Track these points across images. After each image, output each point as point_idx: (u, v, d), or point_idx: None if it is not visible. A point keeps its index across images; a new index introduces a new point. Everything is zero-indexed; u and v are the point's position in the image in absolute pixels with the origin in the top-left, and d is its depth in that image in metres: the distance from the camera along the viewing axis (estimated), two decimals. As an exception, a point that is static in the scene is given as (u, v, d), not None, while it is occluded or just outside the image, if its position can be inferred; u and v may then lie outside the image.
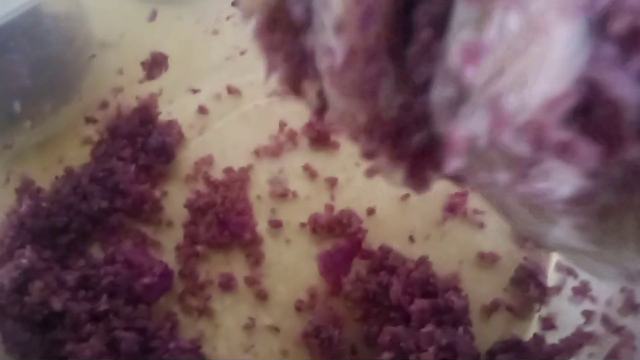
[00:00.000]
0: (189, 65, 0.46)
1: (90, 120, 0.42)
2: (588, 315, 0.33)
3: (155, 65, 0.43)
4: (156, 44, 0.43)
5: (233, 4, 0.45)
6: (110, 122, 0.42)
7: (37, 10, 0.39)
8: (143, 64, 0.42)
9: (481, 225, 0.39)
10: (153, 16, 0.41)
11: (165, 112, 0.44)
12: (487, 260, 0.38)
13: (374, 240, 0.38)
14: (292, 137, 0.44)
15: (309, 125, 0.45)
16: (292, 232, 0.39)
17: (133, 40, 0.43)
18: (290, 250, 0.39)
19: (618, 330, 0.30)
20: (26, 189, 0.38)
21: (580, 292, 0.35)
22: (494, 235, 0.39)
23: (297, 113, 0.46)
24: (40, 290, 0.32)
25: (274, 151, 0.43)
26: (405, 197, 0.40)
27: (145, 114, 0.43)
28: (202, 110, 0.45)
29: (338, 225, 0.39)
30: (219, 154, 0.43)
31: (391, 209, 0.40)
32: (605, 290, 0.33)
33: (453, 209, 0.40)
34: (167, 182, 0.41)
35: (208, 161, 0.42)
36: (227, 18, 0.45)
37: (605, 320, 0.31)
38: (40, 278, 0.33)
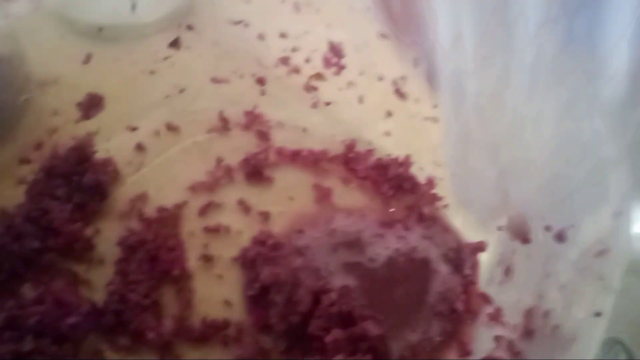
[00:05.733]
0: (127, 104, 0.47)
1: (24, 161, 0.42)
2: (498, 340, 0.35)
3: (92, 105, 0.44)
4: (93, 84, 0.45)
5: (170, 45, 0.47)
6: (45, 162, 0.43)
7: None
8: (79, 104, 0.44)
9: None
10: (87, 59, 0.43)
11: (103, 150, 0.45)
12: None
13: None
14: (228, 172, 0.46)
15: (245, 161, 0.46)
16: (224, 267, 0.41)
17: (69, 81, 0.44)
18: (221, 285, 0.40)
19: (516, 355, 0.32)
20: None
21: (493, 318, 0.37)
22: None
23: (234, 149, 0.48)
24: (-35, 332, 0.33)
25: (209, 187, 0.45)
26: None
27: (81, 153, 0.44)
28: (139, 147, 0.46)
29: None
30: (155, 191, 0.44)
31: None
32: (513, 317, 0.35)
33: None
34: (101, 220, 0.42)
35: (143, 198, 0.43)
36: (165, 58, 0.47)
37: (510, 346, 0.33)
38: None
